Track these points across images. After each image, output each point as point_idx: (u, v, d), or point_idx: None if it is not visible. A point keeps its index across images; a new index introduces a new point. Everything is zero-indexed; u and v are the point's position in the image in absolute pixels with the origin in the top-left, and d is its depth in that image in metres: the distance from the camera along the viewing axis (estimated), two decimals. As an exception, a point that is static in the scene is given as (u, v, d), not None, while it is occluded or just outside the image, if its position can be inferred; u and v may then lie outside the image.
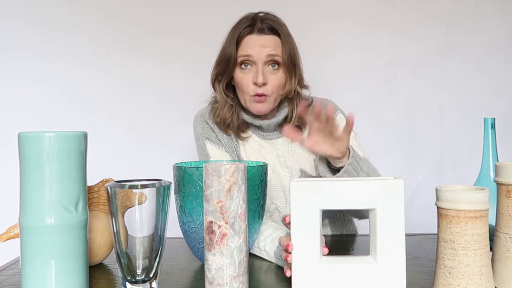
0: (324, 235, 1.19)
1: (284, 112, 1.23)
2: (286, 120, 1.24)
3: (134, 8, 1.74)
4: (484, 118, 1.05)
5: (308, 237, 0.80)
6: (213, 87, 1.26)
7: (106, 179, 1.01)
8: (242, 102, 1.22)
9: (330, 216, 1.31)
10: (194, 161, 1.05)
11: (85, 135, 0.80)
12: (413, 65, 1.83)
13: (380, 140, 1.75)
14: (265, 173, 0.97)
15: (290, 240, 0.81)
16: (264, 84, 1.15)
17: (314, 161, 1.22)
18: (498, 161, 1.03)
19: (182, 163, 1.01)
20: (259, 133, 1.26)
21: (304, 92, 1.28)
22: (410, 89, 1.84)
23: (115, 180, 0.83)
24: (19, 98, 1.69)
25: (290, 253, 0.80)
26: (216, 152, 1.22)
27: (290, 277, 0.81)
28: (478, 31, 1.83)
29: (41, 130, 0.78)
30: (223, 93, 1.23)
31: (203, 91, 1.77)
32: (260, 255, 1.02)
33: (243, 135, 1.25)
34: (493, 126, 1.05)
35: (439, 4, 1.82)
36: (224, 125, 1.23)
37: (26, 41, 1.70)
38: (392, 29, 1.82)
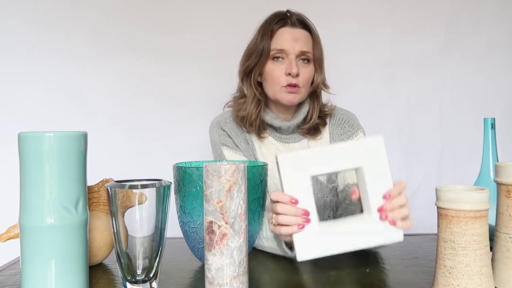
0: None
1: (303, 112, 1.24)
2: (305, 121, 1.25)
3: (134, 8, 1.74)
4: (484, 118, 1.05)
5: (303, 206, 0.83)
6: (241, 81, 1.26)
7: (106, 179, 1.01)
8: (271, 94, 1.21)
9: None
10: (194, 161, 1.05)
11: (85, 135, 0.80)
12: (413, 65, 1.83)
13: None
14: (265, 173, 0.97)
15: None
16: (297, 75, 1.17)
17: None
18: (498, 161, 1.03)
19: (182, 163, 1.01)
20: (276, 136, 1.27)
21: (325, 97, 1.29)
22: (410, 89, 1.84)
23: (115, 180, 0.83)
24: (20, 99, 1.69)
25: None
26: (234, 157, 1.22)
27: (289, 277, 0.81)
28: (478, 31, 1.83)
29: (41, 130, 0.78)
30: (253, 86, 1.23)
31: (203, 91, 1.77)
32: (263, 246, 1.04)
33: (261, 134, 1.25)
34: (493, 126, 1.05)
35: (439, 4, 1.82)
36: (248, 121, 1.23)
37: (27, 42, 1.70)
38: (392, 29, 1.82)
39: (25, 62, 1.70)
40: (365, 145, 0.84)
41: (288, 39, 1.18)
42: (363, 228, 0.84)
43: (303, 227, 0.81)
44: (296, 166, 0.82)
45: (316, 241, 0.83)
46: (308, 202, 0.83)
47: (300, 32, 1.20)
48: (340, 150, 0.84)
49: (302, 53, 1.19)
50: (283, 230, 0.82)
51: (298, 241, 0.83)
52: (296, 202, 0.81)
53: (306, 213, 0.81)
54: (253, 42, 1.23)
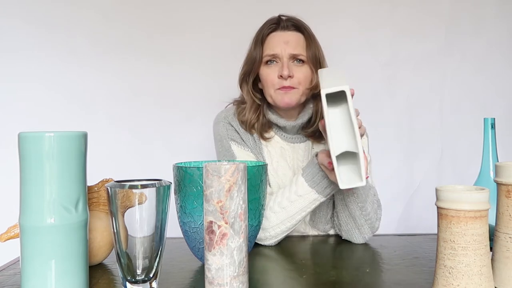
0: (305, 235, 1.21)
1: (308, 113, 1.24)
2: (310, 122, 1.25)
3: (134, 8, 1.74)
4: (484, 118, 1.05)
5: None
6: (240, 87, 1.28)
7: (106, 179, 1.01)
8: (268, 98, 1.22)
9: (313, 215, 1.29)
10: (194, 161, 1.05)
11: (85, 135, 0.80)
12: (413, 65, 1.83)
13: (380, 140, 1.75)
14: (265, 173, 0.97)
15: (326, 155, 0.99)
16: (290, 76, 1.17)
17: None
18: (498, 161, 1.03)
19: (182, 163, 1.01)
20: (282, 135, 1.27)
21: None
22: (410, 89, 1.84)
23: (115, 180, 0.83)
24: (20, 99, 1.69)
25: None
26: (242, 153, 1.23)
27: (289, 277, 0.81)
28: (478, 31, 1.83)
29: (41, 130, 0.78)
30: (250, 93, 1.24)
31: (203, 91, 1.77)
32: (295, 207, 1.08)
33: (266, 135, 1.26)
34: (493, 126, 1.05)
35: (439, 4, 1.82)
36: (249, 126, 1.24)
37: (27, 42, 1.70)
38: (392, 29, 1.82)
39: (25, 62, 1.70)
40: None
41: (279, 43, 1.19)
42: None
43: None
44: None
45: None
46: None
47: (291, 35, 1.20)
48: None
49: (294, 55, 1.18)
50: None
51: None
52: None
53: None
54: (249, 50, 1.25)
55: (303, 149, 1.26)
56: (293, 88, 1.18)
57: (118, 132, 1.75)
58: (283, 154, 1.26)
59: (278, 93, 1.19)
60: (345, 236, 1.16)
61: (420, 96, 1.84)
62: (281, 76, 1.17)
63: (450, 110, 1.85)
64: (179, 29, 1.76)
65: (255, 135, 1.26)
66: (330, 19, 1.77)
